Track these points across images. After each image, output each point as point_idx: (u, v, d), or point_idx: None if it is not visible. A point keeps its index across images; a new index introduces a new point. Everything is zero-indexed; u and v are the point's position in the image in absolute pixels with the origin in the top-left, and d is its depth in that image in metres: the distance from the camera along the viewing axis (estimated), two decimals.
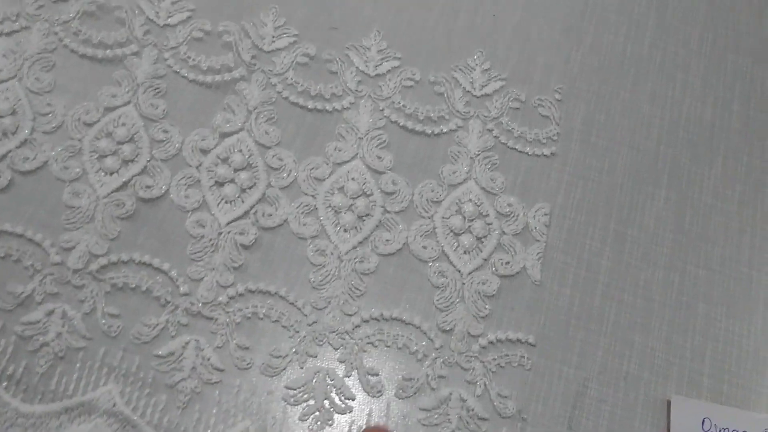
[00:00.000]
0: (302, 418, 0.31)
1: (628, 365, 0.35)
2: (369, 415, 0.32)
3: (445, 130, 0.39)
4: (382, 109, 0.39)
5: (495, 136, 0.39)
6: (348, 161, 0.38)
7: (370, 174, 0.38)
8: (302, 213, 0.36)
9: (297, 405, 0.32)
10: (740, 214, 0.40)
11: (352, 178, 0.37)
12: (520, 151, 0.39)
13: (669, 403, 0.34)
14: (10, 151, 0.36)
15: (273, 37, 0.40)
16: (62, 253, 0.34)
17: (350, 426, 0.32)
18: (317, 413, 0.32)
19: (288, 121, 0.39)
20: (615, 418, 0.33)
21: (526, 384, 0.34)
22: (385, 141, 0.39)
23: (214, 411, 0.31)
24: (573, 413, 0.33)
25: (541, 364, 0.34)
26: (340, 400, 0.32)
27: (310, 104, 0.39)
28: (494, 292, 0.35)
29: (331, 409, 0.32)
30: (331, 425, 0.32)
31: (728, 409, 0.34)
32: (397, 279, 0.35)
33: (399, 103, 0.39)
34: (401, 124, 0.39)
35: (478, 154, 0.39)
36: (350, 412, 0.32)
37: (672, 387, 0.34)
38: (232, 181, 0.37)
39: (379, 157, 0.38)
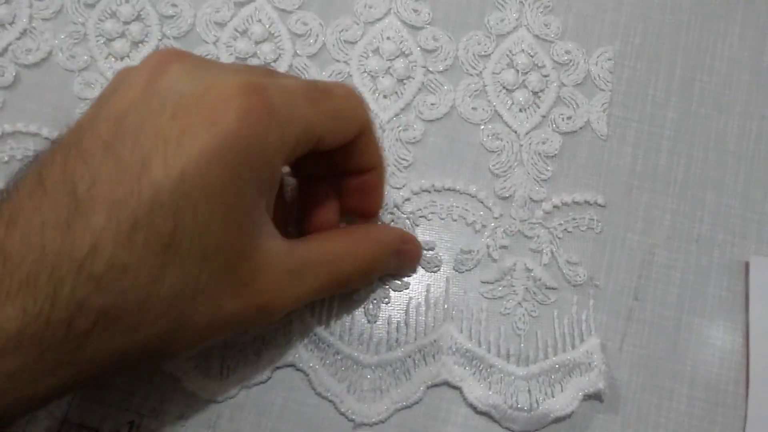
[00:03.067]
0: (357, 298, 0.29)
1: (700, 227, 0.31)
2: (427, 290, 0.29)
3: None
4: None
5: None
6: (381, 18, 0.33)
7: (407, 31, 0.33)
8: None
9: None
10: None
11: (388, 38, 0.33)
12: None
13: (747, 265, 0.30)
14: (10, 44, 0.32)
15: None
16: None
17: (408, 304, 0.29)
18: (373, 292, 0.29)
19: None
20: (686, 284, 0.30)
21: (596, 250, 0.30)
22: None
23: None
24: (639, 283, 0.29)
25: (603, 230, 0.30)
26: (395, 278, 0.29)
27: None
28: (556, 152, 0.31)
29: (387, 287, 0.29)
30: (387, 303, 0.29)
31: None
32: (447, 146, 0.31)
33: None
34: None
35: None
36: (407, 288, 0.29)
37: (750, 247, 0.31)
38: (254, 55, 0.32)
39: (416, 11, 0.33)
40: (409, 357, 0.28)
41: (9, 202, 0.20)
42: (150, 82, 0.21)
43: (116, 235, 0.19)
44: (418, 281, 0.29)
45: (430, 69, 0.32)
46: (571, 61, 0.32)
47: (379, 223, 0.30)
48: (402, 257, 0.28)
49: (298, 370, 0.28)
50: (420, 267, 0.29)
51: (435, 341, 0.28)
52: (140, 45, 0.33)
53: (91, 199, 0.19)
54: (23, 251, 0.19)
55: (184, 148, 0.19)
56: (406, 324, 0.28)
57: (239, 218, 0.21)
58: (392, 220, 0.30)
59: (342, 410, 0.27)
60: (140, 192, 0.19)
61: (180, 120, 0.20)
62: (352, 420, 0.27)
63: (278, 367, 0.28)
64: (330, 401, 0.27)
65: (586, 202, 0.30)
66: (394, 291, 0.29)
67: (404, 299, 0.29)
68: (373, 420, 0.27)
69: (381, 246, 0.27)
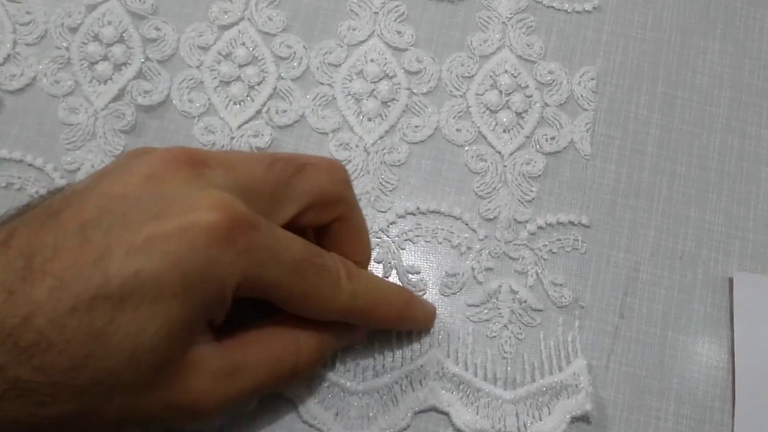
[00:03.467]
0: None
1: (684, 243, 0.31)
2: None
3: None
4: None
5: None
6: (364, 41, 0.33)
7: (390, 53, 0.33)
8: (320, 105, 0.32)
9: None
10: None
11: (371, 60, 0.32)
12: (558, 9, 0.33)
13: (731, 281, 0.30)
14: None
15: None
16: (67, 176, 0.31)
17: (393, 330, 0.29)
18: None
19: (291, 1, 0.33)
20: (671, 301, 0.30)
21: (581, 268, 0.30)
22: (403, 13, 0.33)
23: None
24: (624, 300, 0.29)
25: (588, 250, 0.30)
26: None
27: None
28: (540, 173, 0.31)
29: None
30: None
31: None
32: (432, 168, 0.31)
33: None
34: None
35: (511, 17, 0.33)
36: None
37: (734, 263, 0.31)
38: (238, 78, 0.32)
39: (399, 32, 0.33)
40: (396, 383, 0.27)
41: None
42: (152, 178, 0.21)
43: (52, 313, 0.19)
44: None
45: (414, 91, 0.32)
46: (554, 81, 0.32)
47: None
48: (351, 329, 0.26)
49: (285, 398, 0.27)
50: None
51: (422, 366, 0.28)
52: (123, 67, 0.32)
53: (42, 272, 0.19)
54: None
55: (149, 252, 0.19)
56: (393, 350, 0.28)
57: (177, 328, 0.20)
58: (378, 244, 0.30)
59: None
60: (90, 278, 0.19)
61: (158, 223, 0.20)
62: None
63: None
64: (317, 429, 0.27)
65: (571, 223, 0.30)
66: None
67: None
68: None
69: (327, 329, 0.25)
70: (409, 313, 0.27)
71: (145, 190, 0.21)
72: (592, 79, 0.33)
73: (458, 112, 0.32)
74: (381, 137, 0.31)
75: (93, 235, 0.20)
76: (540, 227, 0.30)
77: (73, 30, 0.33)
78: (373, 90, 0.32)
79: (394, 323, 0.27)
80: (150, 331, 0.20)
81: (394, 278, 0.30)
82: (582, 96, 0.32)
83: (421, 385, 0.27)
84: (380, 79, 0.32)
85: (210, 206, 0.20)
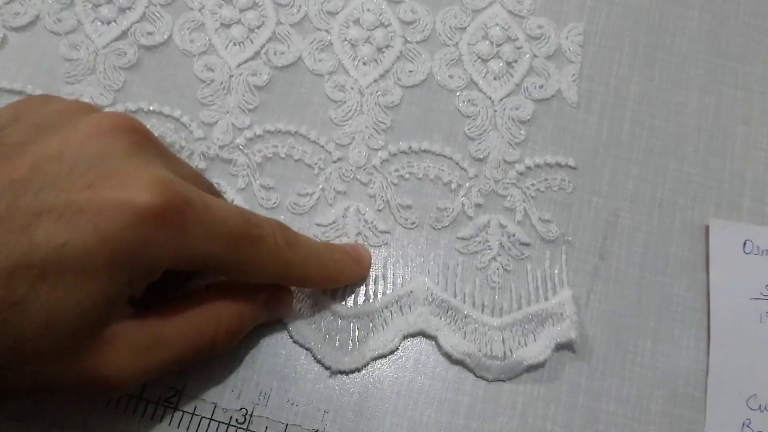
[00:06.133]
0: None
1: (662, 192, 0.30)
2: (405, 246, 0.28)
3: None
4: None
5: None
6: None
7: (386, 4, 0.32)
8: (317, 49, 0.31)
9: (328, 240, 0.28)
10: None
11: (368, 9, 0.32)
12: None
13: (707, 228, 0.30)
14: None
15: None
16: None
17: (386, 260, 0.28)
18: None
19: None
20: (649, 245, 0.29)
21: (563, 211, 0.29)
22: None
23: None
24: (604, 243, 0.29)
25: (571, 194, 0.30)
26: (374, 234, 0.28)
27: None
28: (528, 117, 0.31)
29: (366, 244, 0.28)
30: None
31: None
32: (424, 111, 0.31)
33: None
34: None
35: None
36: (385, 245, 0.28)
37: (710, 211, 0.30)
38: (238, 21, 0.31)
39: None
40: (386, 308, 0.27)
41: None
42: (91, 141, 0.20)
43: None
44: (395, 238, 0.28)
45: (409, 39, 0.32)
46: (543, 35, 0.32)
47: None
48: (273, 310, 0.25)
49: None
50: (398, 224, 0.29)
51: (411, 292, 0.27)
52: (127, 11, 0.31)
53: None
54: None
55: (79, 223, 0.18)
56: (384, 277, 0.27)
57: (98, 302, 0.19)
58: (371, 179, 0.29)
59: (318, 357, 0.26)
60: (15, 245, 0.18)
61: (91, 193, 0.18)
62: (328, 367, 0.26)
63: None
64: (307, 349, 0.26)
65: (558, 164, 0.30)
66: (373, 247, 0.28)
67: (383, 254, 0.28)
68: (349, 367, 0.26)
69: (248, 312, 0.24)
70: (340, 277, 0.26)
71: (83, 153, 0.19)
72: (579, 34, 0.32)
73: (450, 60, 0.31)
74: (375, 80, 0.31)
75: (22, 198, 0.18)
76: (528, 167, 0.30)
77: None
78: (368, 37, 0.31)
79: (325, 285, 0.26)
80: (70, 303, 0.18)
81: (386, 212, 0.29)
82: (569, 49, 0.32)
83: (410, 309, 0.26)
84: (376, 27, 0.31)
85: (146, 185, 0.19)
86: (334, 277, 0.26)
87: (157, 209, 0.19)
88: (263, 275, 0.23)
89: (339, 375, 0.26)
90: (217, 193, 0.26)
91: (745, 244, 0.29)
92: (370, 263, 0.27)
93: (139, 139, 0.20)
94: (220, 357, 0.26)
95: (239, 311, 0.23)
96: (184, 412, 0.25)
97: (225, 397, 0.25)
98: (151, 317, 0.21)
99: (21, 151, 0.19)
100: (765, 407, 0.27)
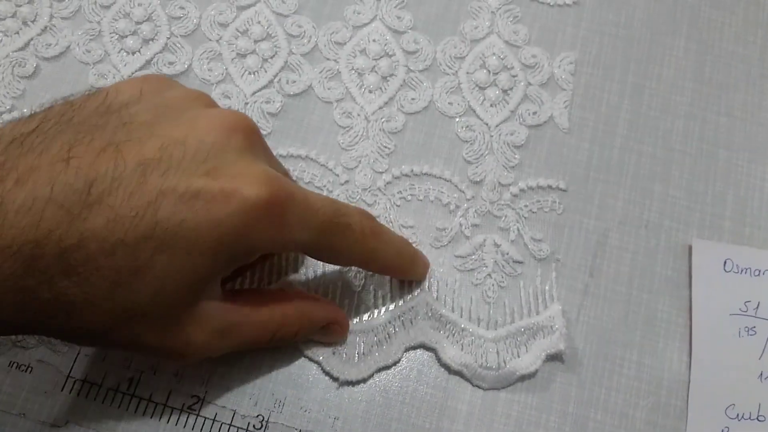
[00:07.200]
0: (346, 270, 0.29)
1: (649, 214, 0.32)
2: None
3: None
4: None
5: None
6: (368, 23, 0.34)
7: (390, 34, 0.34)
8: (326, 78, 0.33)
9: None
10: (763, 60, 0.35)
11: (374, 40, 0.33)
12: (541, 2, 0.35)
13: (690, 248, 0.31)
14: (32, 39, 0.33)
15: None
16: None
17: (389, 277, 0.29)
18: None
19: None
20: (636, 264, 0.31)
21: (556, 231, 0.31)
22: (403, 1, 0.34)
23: None
24: (594, 262, 0.30)
25: (563, 215, 0.31)
26: None
27: None
28: (522, 142, 0.32)
29: None
30: (371, 275, 0.29)
31: (749, 250, 0.31)
32: (425, 136, 0.32)
33: None
34: None
35: (499, 8, 0.34)
36: None
37: (693, 232, 0.31)
38: (253, 52, 0.33)
39: (399, 17, 0.34)
40: (390, 323, 0.28)
41: (27, 157, 0.19)
42: (212, 132, 0.21)
43: (103, 242, 0.19)
44: None
45: (411, 68, 0.33)
46: (536, 63, 0.34)
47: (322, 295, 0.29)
48: (328, 335, 0.27)
49: None
50: None
51: (413, 308, 0.28)
52: (150, 42, 0.33)
53: (98, 202, 0.19)
54: (19, 217, 0.18)
55: (195, 206, 0.20)
56: (388, 294, 0.29)
57: (199, 278, 0.21)
58: (375, 201, 0.31)
59: (327, 369, 0.27)
60: (142, 218, 0.19)
61: (208, 180, 0.20)
62: (336, 379, 0.27)
63: None
64: (316, 363, 0.27)
65: (549, 187, 0.31)
66: None
67: None
68: (356, 378, 0.27)
69: (307, 324, 0.26)
70: (413, 267, 0.28)
71: (204, 144, 0.21)
72: (571, 63, 0.34)
73: (450, 88, 0.33)
74: (380, 107, 0.32)
75: (150, 176, 0.20)
76: (522, 189, 0.31)
77: (106, 8, 0.34)
78: (374, 66, 0.33)
79: (399, 274, 0.28)
80: (178, 276, 0.20)
81: None
82: (561, 77, 0.33)
83: (411, 324, 0.28)
84: (381, 57, 0.33)
85: (254, 180, 0.21)
86: (408, 268, 0.28)
87: (263, 201, 0.21)
88: (349, 260, 0.26)
89: (351, 385, 0.27)
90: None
91: (725, 262, 0.31)
92: (429, 265, 0.29)
93: (252, 139, 0.22)
94: (239, 367, 0.27)
95: (300, 324, 0.26)
96: (205, 418, 0.27)
97: (243, 404, 0.27)
98: (233, 304, 0.24)
99: (151, 132, 0.21)
100: (742, 416, 0.28)
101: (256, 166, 0.21)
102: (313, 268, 0.29)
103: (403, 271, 0.28)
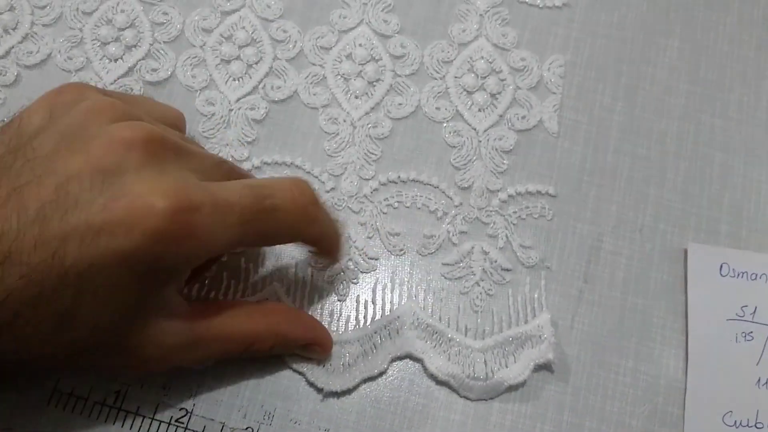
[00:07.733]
0: (328, 280, 0.28)
1: (643, 218, 0.31)
2: (393, 272, 0.29)
3: None
4: None
5: None
6: (354, 28, 0.33)
7: (377, 39, 0.33)
8: (311, 83, 0.32)
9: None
10: (758, 60, 0.34)
11: (360, 45, 0.33)
12: (530, 4, 0.34)
13: (686, 252, 0.30)
14: (12, 47, 0.32)
15: None
16: None
17: (375, 284, 0.29)
18: (341, 273, 0.28)
19: None
20: (631, 269, 0.30)
21: (549, 237, 0.30)
22: (390, 4, 0.34)
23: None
24: (588, 267, 0.29)
25: (555, 221, 0.30)
26: (364, 260, 0.29)
27: None
28: (511, 147, 0.31)
29: (356, 269, 0.29)
30: (356, 283, 0.29)
31: (746, 253, 0.30)
32: (413, 142, 0.31)
33: None
34: None
35: (488, 11, 0.34)
36: (374, 270, 0.29)
37: (689, 236, 0.31)
38: (237, 58, 0.32)
39: (386, 21, 0.33)
40: (375, 333, 0.27)
41: None
42: (108, 155, 0.20)
43: (22, 298, 0.19)
44: (384, 264, 0.29)
45: (398, 73, 0.32)
46: (525, 67, 0.33)
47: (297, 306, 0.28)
48: (309, 352, 0.26)
49: None
50: (387, 251, 0.29)
51: (399, 317, 0.27)
52: (133, 49, 0.32)
53: (9, 258, 0.19)
54: None
55: (99, 245, 0.19)
56: (373, 302, 0.28)
57: (132, 308, 0.21)
58: (362, 208, 0.30)
59: (311, 380, 0.26)
60: (52, 267, 0.19)
61: (105, 215, 0.20)
62: (320, 389, 0.26)
63: None
64: (300, 373, 0.27)
65: (539, 192, 0.31)
66: (363, 272, 0.29)
67: (372, 280, 0.29)
68: (340, 389, 0.26)
69: (282, 341, 0.25)
70: (339, 243, 0.27)
71: (99, 171, 0.20)
72: (560, 66, 0.33)
73: (438, 93, 0.32)
74: (367, 113, 0.32)
75: (51, 222, 0.19)
76: (510, 196, 0.30)
77: (88, 14, 0.33)
78: (360, 71, 0.32)
79: (327, 251, 0.27)
80: (109, 311, 0.20)
81: (376, 239, 0.29)
82: (551, 81, 0.33)
83: (398, 333, 0.27)
84: (367, 62, 0.32)
85: (156, 199, 0.20)
86: (336, 244, 0.27)
87: (162, 228, 0.20)
88: (283, 239, 0.25)
89: (335, 396, 0.27)
90: (241, 173, 0.26)
91: (721, 267, 0.30)
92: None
93: (152, 149, 0.21)
94: (228, 380, 0.27)
95: (274, 340, 0.25)
96: (194, 431, 0.26)
97: (232, 417, 0.26)
98: (199, 319, 0.23)
99: (49, 169, 0.20)
100: (740, 423, 0.27)
101: (156, 181, 0.20)
102: (302, 276, 0.28)
103: (331, 246, 0.26)
